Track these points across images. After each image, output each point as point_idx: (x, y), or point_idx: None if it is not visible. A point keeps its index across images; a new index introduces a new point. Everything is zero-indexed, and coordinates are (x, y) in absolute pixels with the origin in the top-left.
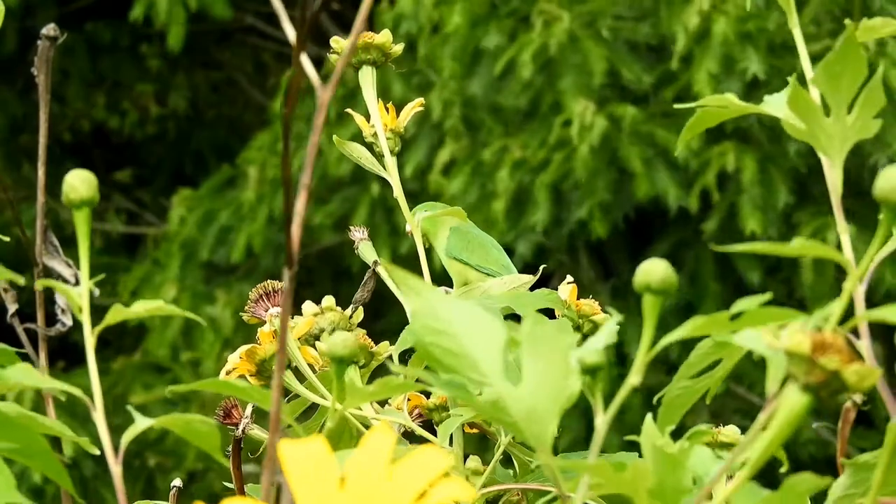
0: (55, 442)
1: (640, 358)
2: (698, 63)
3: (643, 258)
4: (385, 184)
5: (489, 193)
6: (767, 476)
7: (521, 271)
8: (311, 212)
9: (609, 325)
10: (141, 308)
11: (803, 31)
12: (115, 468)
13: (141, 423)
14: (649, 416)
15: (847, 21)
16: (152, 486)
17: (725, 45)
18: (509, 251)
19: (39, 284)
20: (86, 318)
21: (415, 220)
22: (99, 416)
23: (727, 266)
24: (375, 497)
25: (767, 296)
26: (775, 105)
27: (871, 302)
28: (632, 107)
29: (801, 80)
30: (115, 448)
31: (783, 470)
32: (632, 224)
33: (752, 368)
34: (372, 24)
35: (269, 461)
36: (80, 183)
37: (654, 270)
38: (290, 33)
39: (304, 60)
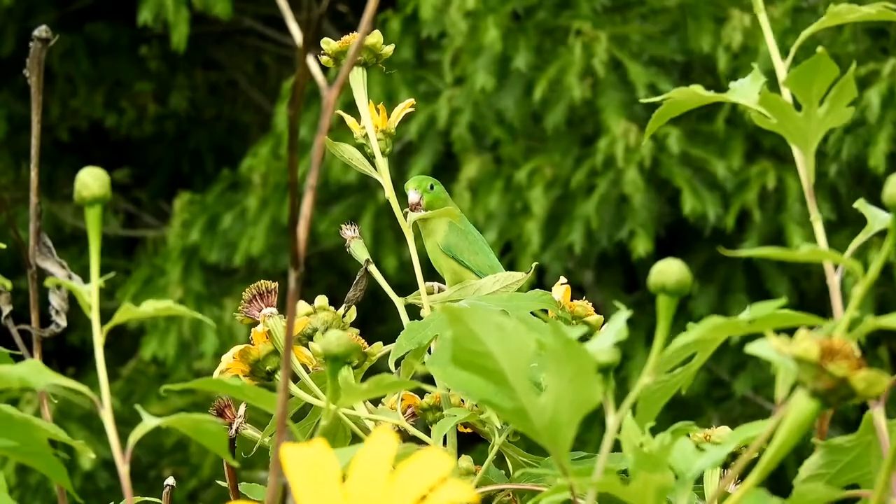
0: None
1: (654, 357)
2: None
3: None
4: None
5: (520, 211)
6: (774, 481)
7: (551, 285)
8: (315, 218)
9: (617, 320)
10: (150, 308)
11: (842, 50)
12: (123, 467)
13: (149, 423)
14: (629, 414)
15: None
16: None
17: (769, 62)
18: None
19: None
20: (95, 317)
21: (408, 222)
22: (106, 414)
23: (756, 280)
24: (377, 499)
25: (782, 300)
26: (742, 93)
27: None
28: (674, 127)
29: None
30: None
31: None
32: (662, 241)
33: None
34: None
35: (274, 464)
36: (92, 180)
37: (669, 271)
38: (297, 35)
39: (311, 63)
